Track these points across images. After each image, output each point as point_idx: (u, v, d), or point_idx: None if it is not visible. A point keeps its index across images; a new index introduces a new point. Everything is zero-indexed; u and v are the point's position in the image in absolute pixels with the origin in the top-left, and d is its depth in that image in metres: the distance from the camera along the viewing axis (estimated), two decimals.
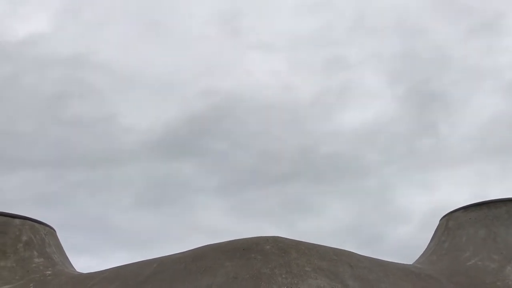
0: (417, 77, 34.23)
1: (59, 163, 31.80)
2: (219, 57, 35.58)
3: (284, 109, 34.03)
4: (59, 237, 10.47)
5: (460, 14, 34.30)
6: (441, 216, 10.62)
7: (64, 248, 10.52)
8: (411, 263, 9.66)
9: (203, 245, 8.11)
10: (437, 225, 10.66)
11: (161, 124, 34.08)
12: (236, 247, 7.60)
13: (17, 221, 9.64)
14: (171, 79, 34.65)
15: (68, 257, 10.48)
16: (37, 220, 10.10)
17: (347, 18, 35.91)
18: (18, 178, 30.66)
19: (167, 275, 7.42)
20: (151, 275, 7.52)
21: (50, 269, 9.34)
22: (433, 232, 10.57)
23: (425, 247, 10.48)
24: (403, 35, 34.77)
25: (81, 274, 9.36)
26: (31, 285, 8.67)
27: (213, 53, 35.83)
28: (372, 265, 8.07)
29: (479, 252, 9.07)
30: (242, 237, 7.98)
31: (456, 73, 33.32)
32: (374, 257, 8.49)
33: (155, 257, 8.23)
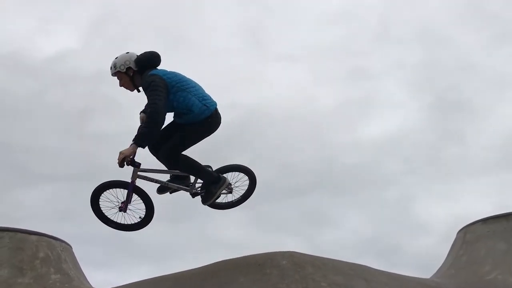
0: (440, 87, 33.97)
1: (81, 177, 32.09)
2: (242, 70, 35.75)
3: (305, 121, 33.98)
4: (77, 252, 10.54)
5: (485, 22, 34.08)
6: (459, 229, 10.46)
7: (84, 262, 10.59)
8: (428, 277, 9.52)
9: (219, 260, 8.10)
10: (454, 238, 10.50)
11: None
12: (251, 262, 7.57)
13: (33, 237, 9.73)
14: None
15: (88, 271, 10.54)
16: (53, 236, 10.19)
17: (371, 28, 35.86)
18: (40, 193, 31.05)
19: None
20: None
21: (66, 285, 9.39)
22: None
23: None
24: (427, 44, 34.64)
25: None
26: None
27: (235, 66, 36.03)
28: (388, 279, 7.96)
29: (499, 265, 8.90)
30: (259, 252, 7.95)
31: (481, 82, 32.95)
32: (393, 269, 8.39)
33: (172, 272, 8.23)
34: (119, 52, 6.33)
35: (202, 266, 8.04)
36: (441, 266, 10.21)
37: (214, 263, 8.01)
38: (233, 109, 34.22)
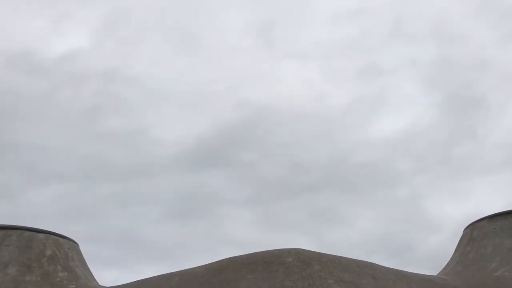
0: (454, 84, 33.60)
1: (91, 176, 32.22)
2: (253, 68, 35.66)
3: (316, 119, 33.79)
4: (85, 250, 10.59)
5: (499, 18, 33.68)
6: (466, 226, 10.42)
7: (93, 261, 10.64)
8: (435, 274, 9.49)
9: (226, 257, 8.10)
10: (461, 235, 10.46)
11: (192, 136, 34.26)
12: (257, 259, 7.57)
13: (41, 235, 9.78)
14: (203, 91, 34.84)
15: (97, 270, 10.60)
16: (60, 235, 10.24)
17: (383, 25, 35.55)
18: (50, 192, 31.17)
19: None
20: None
21: (73, 283, 9.43)
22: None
23: None
24: (440, 41, 34.25)
25: None
26: None
27: (246, 64, 35.94)
28: (396, 276, 7.95)
29: (507, 262, 8.86)
30: (269, 249, 7.94)
31: (494, 79, 32.61)
32: (405, 267, 8.37)
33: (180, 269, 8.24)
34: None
35: (209, 263, 8.06)
36: (448, 263, 10.17)
37: (221, 260, 8.02)
38: (244, 106, 34.15)
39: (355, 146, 32.84)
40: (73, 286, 9.31)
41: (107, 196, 31.79)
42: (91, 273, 10.51)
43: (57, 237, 10.09)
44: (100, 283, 10.19)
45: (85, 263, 10.55)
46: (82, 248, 10.73)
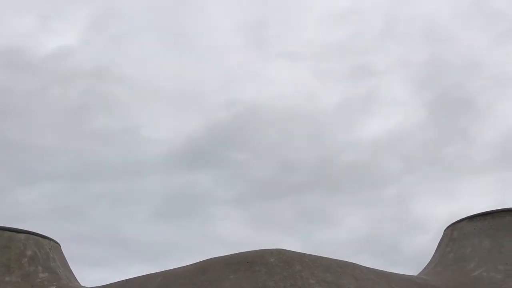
0: (443, 85, 33.96)
1: (80, 175, 31.90)
2: (244, 68, 35.67)
3: (306, 119, 33.93)
4: (73, 250, 10.51)
5: (489, 21, 34.16)
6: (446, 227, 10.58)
7: (81, 260, 10.57)
8: (416, 274, 9.62)
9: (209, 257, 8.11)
10: (441, 235, 10.62)
11: (182, 135, 34.16)
12: (240, 260, 7.60)
13: (21, 235, 9.67)
14: (194, 91, 34.77)
15: (85, 269, 10.52)
16: (41, 235, 10.13)
17: (375, 26, 35.78)
18: (38, 191, 30.78)
19: None
20: None
21: (54, 283, 9.34)
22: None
23: None
24: (431, 42, 34.61)
25: None
26: None
27: (237, 64, 35.94)
28: (376, 276, 8.04)
29: (484, 263, 9.03)
30: (252, 250, 7.97)
31: (483, 80, 33.05)
32: (391, 267, 8.48)
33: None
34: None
35: (192, 264, 8.06)
36: (429, 263, 10.32)
37: (204, 260, 8.03)
38: (234, 106, 34.14)
39: (344, 146, 33.09)
40: (54, 287, 9.22)
41: (96, 195, 31.54)
42: (72, 273, 10.42)
43: (38, 237, 9.98)
44: (88, 283, 10.11)
45: (67, 263, 10.45)
46: (70, 247, 10.64)
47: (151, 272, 8.39)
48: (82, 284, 10.18)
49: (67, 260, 10.57)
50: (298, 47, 35.82)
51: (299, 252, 8.02)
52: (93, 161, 32.14)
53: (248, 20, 36.41)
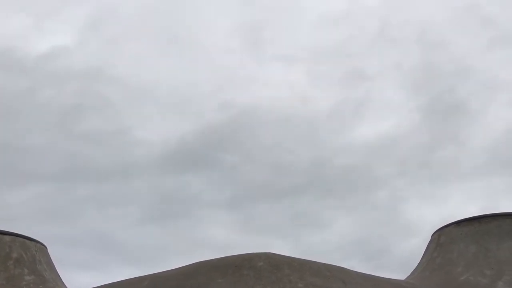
0: (436, 89, 34.23)
1: (69, 177, 31.57)
2: (238, 70, 35.57)
3: (299, 122, 33.97)
4: (61, 252, 10.41)
5: (482, 26, 34.52)
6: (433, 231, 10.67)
7: (69, 263, 10.47)
8: (403, 279, 9.68)
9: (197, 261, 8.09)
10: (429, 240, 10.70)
11: (174, 137, 33.93)
12: (228, 263, 7.59)
13: (7, 237, 9.55)
14: (188, 93, 34.60)
15: (73, 272, 10.42)
16: (28, 237, 10.01)
17: (369, 31, 35.94)
18: (26, 192, 30.38)
19: None
20: None
21: (40, 286, 9.23)
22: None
23: None
24: (424, 47, 34.88)
25: None
26: None
27: (232, 66, 35.82)
28: (364, 281, 8.08)
29: (471, 267, 9.11)
30: (240, 253, 7.96)
31: (475, 86, 33.36)
32: (381, 270, 8.52)
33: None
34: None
35: (180, 267, 8.03)
36: (416, 267, 10.39)
37: (192, 264, 8.00)
38: (228, 108, 34.13)
39: (337, 150, 33.20)
40: None
41: (85, 197, 31.26)
42: (59, 276, 10.31)
43: (24, 240, 9.86)
44: (76, 286, 10.01)
45: (53, 266, 10.34)
46: (58, 249, 10.54)
47: (138, 276, 8.34)
48: (69, 287, 10.09)
49: (55, 263, 10.47)
50: (293, 50, 35.97)
51: (287, 256, 8.03)
52: (83, 163, 31.90)
53: (243, 22, 36.46)
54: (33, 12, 34.96)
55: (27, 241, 9.92)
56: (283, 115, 33.66)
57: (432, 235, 10.55)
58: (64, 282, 10.24)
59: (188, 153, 32.74)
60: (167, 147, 32.98)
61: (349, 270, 8.26)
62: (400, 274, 10.36)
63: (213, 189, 32.84)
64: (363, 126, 34.75)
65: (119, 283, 8.36)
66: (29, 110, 32.30)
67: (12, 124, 31.57)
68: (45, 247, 10.39)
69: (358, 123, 35.23)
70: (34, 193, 30.55)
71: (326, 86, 35.48)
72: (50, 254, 10.54)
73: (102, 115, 33.35)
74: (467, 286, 8.83)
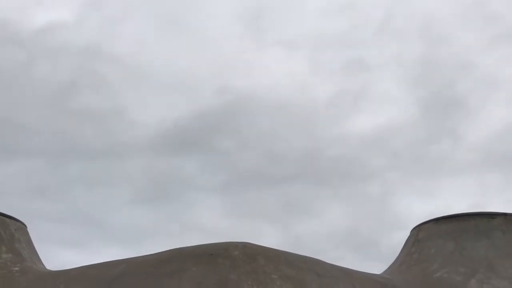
0: (436, 84, 34.13)
1: (60, 154, 31.42)
2: (237, 55, 35.24)
3: (297, 110, 33.83)
4: (49, 229, 10.42)
5: (485, 22, 34.33)
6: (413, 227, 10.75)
7: (56, 241, 10.48)
8: (379, 273, 9.78)
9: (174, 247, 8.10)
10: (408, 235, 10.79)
11: (169, 120, 33.74)
12: (204, 252, 7.61)
13: None
14: (186, 76, 34.29)
15: (60, 250, 10.44)
16: (7, 215, 9.98)
17: (373, 21, 35.60)
18: (14, 168, 30.22)
19: (133, 277, 7.41)
20: (118, 277, 7.50)
21: (18, 265, 9.23)
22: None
23: None
24: (427, 40, 34.64)
25: (49, 272, 9.27)
26: None
27: (231, 51, 35.46)
28: (340, 274, 8.14)
29: (446, 264, 9.22)
30: (216, 242, 7.98)
31: (475, 82, 33.33)
32: (369, 262, 8.60)
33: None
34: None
35: (157, 253, 8.05)
36: (393, 262, 10.49)
37: (168, 250, 8.02)
38: (225, 94, 33.91)
39: (332, 140, 33.23)
40: (17, 268, 9.11)
41: (76, 176, 31.18)
42: (38, 256, 10.31)
43: (3, 218, 9.83)
44: (62, 264, 10.03)
45: (33, 245, 10.34)
46: (45, 227, 10.58)
47: (115, 259, 8.35)
48: (51, 266, 10.10)
49: (42, 240, 10.48)
50: (294, 37, 35.68)
51: (264, 246, 8.06)
52: (74, 140, 31.76)
53: (245, 7, 36.04)
54: None
55: (7, 219, 9.89)
56: (281, 103, 33.56)
57: (412, 230, 10.64)
58: (49, 260, 10.26)
59: (183, 136, 32.67)
60: (162, 129, 32.87)
61: (325, 262, 8.31)
62: (387, 266, 10.50)
63: (205, 173, 32.86)
64: (360, 118, 34.75)
65: (95, 265, 8.37)
66: (23, 85, 31.98)
67: (4, 98, 31.25)
68: (25, 225, 10.37)
69: (355, 114, 35.21)
70: (23, 168, 30.44)
71: (326, 75, 35.32)
72: (30, 233, 10.53)
73: (98, 93, 33.09)
74: (441, 282, 8.94)
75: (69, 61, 32.82)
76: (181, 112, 34.68)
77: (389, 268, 10.31)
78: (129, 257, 8.38)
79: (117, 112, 32.80)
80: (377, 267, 10.22)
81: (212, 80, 34.50)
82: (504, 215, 9.59)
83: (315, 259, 8.31)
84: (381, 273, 9.86)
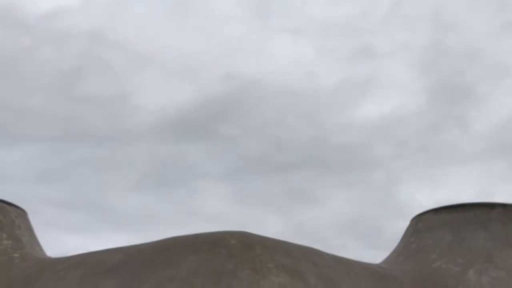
0: (444, 71, 33.64)
1: (65, 139, 31.45)
2: (244, 41, 34.81)
3: (303, 97, 33.49)
4: (53, 214, 10.49)
5: (495, 9, 33.74)
6: (413, 216, 10.73)
7: (62, 226, 10.55)
8: (378, 263, 9.79)
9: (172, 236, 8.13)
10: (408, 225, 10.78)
11: (174, 106, 33.62)
12: (202, 241, 7.63)
13: None
14: (191, 62, 33.98)
15: (64, 235, 10.53)
16: (8, 202, 10.05)
17: (382, 7, 34.97)
18: (20, 153, 30.29)
19: (132, 265, 7.45)
20: (116, 265, 7.54)
21: (18, 251, 9.31)
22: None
23: None
24: (436, 28, 34.08)
25: (49, 259, 9.36)
26: None
27: (238, 36, 35.03)
28: (336, 264, 8.16)
29: (445, 255, 9.21)
30: (214, 231, 8.00)
31: (484, 69, 32.83)
32: (371, 249, 8.60)
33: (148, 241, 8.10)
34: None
35: (154, 241, 8.08)
36: (392, 252, 10.50)
37: (166, 239, 8.05)
38: (231, 80, 33.68)
39: (338, 128, 33.00)
40: (17, 255, 9.19)
41: (80, 161, 31.26)
42: (38, 242, 10.39)
43: (4, 205, 9.91)
44: (67, 249, 10.11)
45: (33, 232, 10.41)
46: (50, 212, 10.65)
47: (114, 247, 8.40)
48: (56, 251, 10.18)
49: (46, 225, 10.57)
50: (302, 23, 35.16)
51: (261, 236, 8.08)
52: (79, 126, 31.78)
53: None
54: None
55: (7, 206, 9.96)
56: (287, 89, 33.28)
57: (411, 220, 10.63)
58: (54, 245, 10.35)
59: (187, 123, 32.59)
60: (166, 115, 32.79)
61: (322, 252, 8.33)
62: (388, 253, 10.51)
63: (210, 160, 32.83)
64: (366, 105, 34.46)
65: (94, 253, 8.42)
66: (28, 70, 31.93)
67: (10, 83, 31.25)
68: (26, 212, 10.44)
69: (362, 102, 34.91)
70: (28, 153, 30.55)
71: (333, 61, 34.93)
72: (35, 218, 10.61)
73: (103, 78, 32.99)
74: (439, 272, 8.94)
75: (74, 46, 32.68)
76: (186, 98, 34.55)
77: (388, 257, 10.32)
78: (129, 244, 8.44)
79: (122, 97, 32.75)
80: (380, 255, 10.25)
81: (218, 66, 34.23)
82: (504, 205, 9.55)
83: (312, 248, 8.32)
84: (380, 263, 9.88)
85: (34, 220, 10.50)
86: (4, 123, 30.31)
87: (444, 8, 34.30)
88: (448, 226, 9.64)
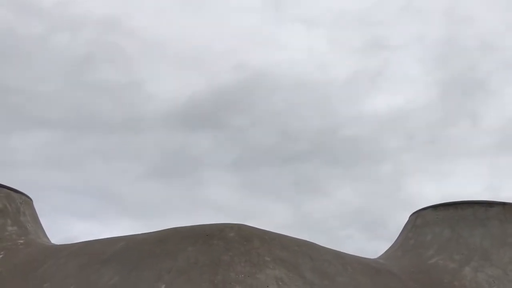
0: (457, 65, 33.53)
1: (76, 126, 31.85)
2: (256, 31, 34.87)
3: (314, 89, 33.56)
4: (63, 200, 10.72)
5: (509, 4, 33.41)
6: (412, 212, 10.80)
7: (71, 212, 10.78)
8: (375, 257, 9.89)
9: (169, 227, 8.28)
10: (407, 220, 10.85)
11: (185, 95, 33.85)
12: (199, 232, 7.77)
13: None
14: (203, 50, 34.14)
15: (73, 221, 10.76)
16: (13, 189, 10.24)
17: (395, 0, 34.79)
18: (32, 139, 30.72)
19: (130, 255, 7.61)
20: (115, 254, 7.71)
21: (22, 238, 9.53)
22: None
23: None
24: (449, 21, 33.84)
25: (53, 246, 9.56)
26: (2, 253, 8.87)
27: (250, 26, 35.08)
28: (333, 258, 8.26)
29: (442, 251, 9.29)
30: (212, 223, 8.13)
31: (497, 63, 32.67)
32: (376, 241, 8.72)
33: (156, 229, 8.27)
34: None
35: (153, 232, 8.24)
36: (390, 247, 10.59)
37: (166, 229, 8.20)
38: (242, 70, 33.71)
39: (348, 120, 33.05)
40: (22, 241, 9.41)
41: (91, 148, 31.61)
42: (43, 229, 10.61)
43: (9, 191, 10.10)
44: (74, 235, 10.39)
45: (38, 219, 10.62)
46: (60, 198, 10.89)
47: (116, 236, 8.58)
48: (64, 236, 10.41)
49: (55, 211, 10.80)
50: (315, 13, 34.99)
51: (260, 229, 8.19)
52: (91, 113, 32.10)
53: None
54: None
55: (12, 193, 10.16)
56: (297, 80, 33.30)
57: (410, 216, 10.70)
58: (62, 230, 10.57)
59: (197, 112, 32.75)
60: (177, 104, 32.97)
61: (319, 246, 8.44)
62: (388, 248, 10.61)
63: (219, 150, 33.04)
64: (377, 98, 34.38)
65: (96, 241, 8.61)
66: (41, 56, 32.20)
67: (23, 69, 31.55)
68: (31, 199, 10.64)
69: (373, 94, 34.83)
70: (40, 139, 30.93)
71: (345, 53, 34.82)
72: (44, 204, 10.82)
73: (115, 66, 33.16)
74: (435, 269, 9.03)
75: (87, 33, 32.86)
76: (197, 88, 34.69)
77: (386, 252, 10.42)
78: (130, 234, 8.61)
79: (133, 85, 32.95)
80: (385, 247, 10.35)
81: (230, 56, 34.29)
82: (503, 204, 9.58)
83: (310, 242, 8.44)
84: (378, 257, 9.98)
85: (45, 206, 10.73)
86: (17, 108, 30.68)
87: (458, 1, 33.96)
88: (446, 223, 9.71)
